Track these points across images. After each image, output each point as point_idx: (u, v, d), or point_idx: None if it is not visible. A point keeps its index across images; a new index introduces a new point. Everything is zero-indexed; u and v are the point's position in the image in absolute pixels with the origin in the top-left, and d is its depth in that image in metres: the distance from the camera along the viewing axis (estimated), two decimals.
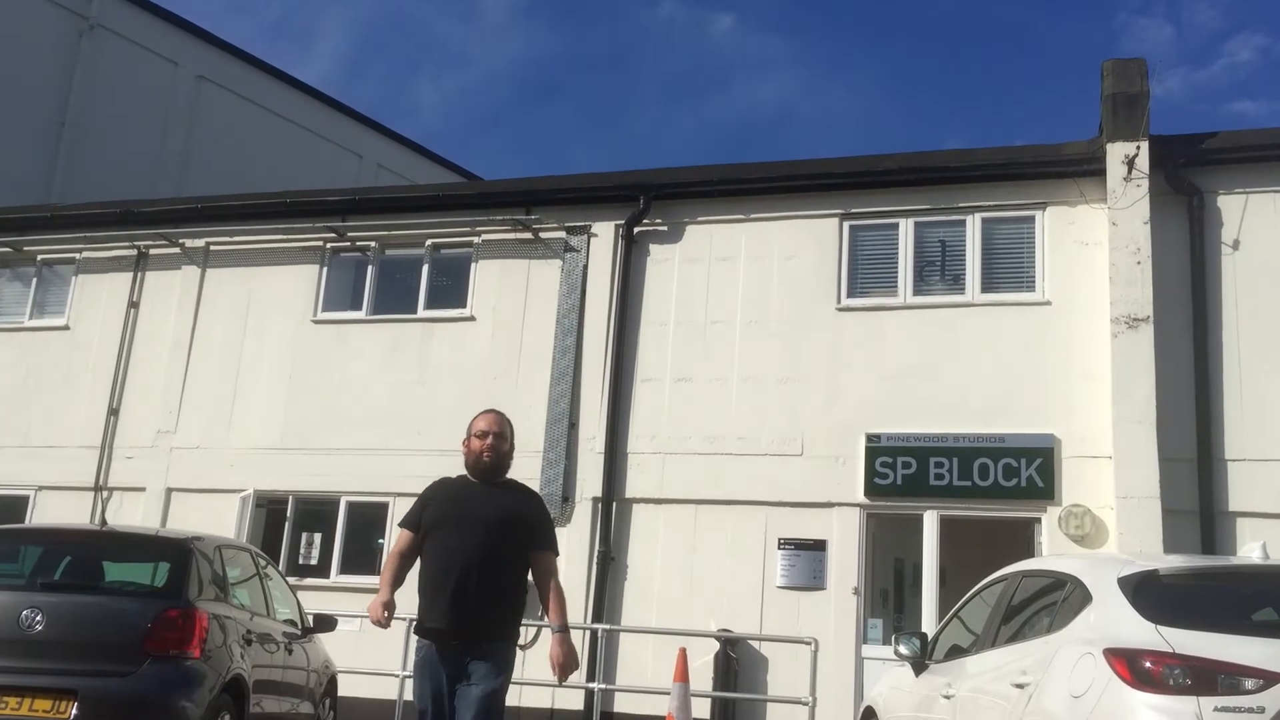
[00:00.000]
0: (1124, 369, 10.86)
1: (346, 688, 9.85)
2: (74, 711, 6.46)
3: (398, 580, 5.27)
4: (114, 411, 14.46)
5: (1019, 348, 11.64)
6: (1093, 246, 11.55)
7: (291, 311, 14.23)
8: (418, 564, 5.28)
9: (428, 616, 5.10)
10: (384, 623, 5.13)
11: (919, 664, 7.26)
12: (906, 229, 12.39)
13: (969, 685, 6.31)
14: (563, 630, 5.18)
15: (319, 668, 9.33)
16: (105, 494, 13.79)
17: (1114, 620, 5.16)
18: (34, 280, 15.55)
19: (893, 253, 12.41)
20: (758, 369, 12.37)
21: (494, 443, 5.35)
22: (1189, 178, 11.42)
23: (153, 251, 15.01)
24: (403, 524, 5.41)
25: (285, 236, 14.42)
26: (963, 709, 6.30)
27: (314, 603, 10.02)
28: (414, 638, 5.32)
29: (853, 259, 12.52)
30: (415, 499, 5.43)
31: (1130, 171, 11.20)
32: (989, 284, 12.07)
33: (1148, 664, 4.74)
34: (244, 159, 21.91)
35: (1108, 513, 10.78)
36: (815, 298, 12.41)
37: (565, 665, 5.12)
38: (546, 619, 5.28)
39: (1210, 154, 11.57)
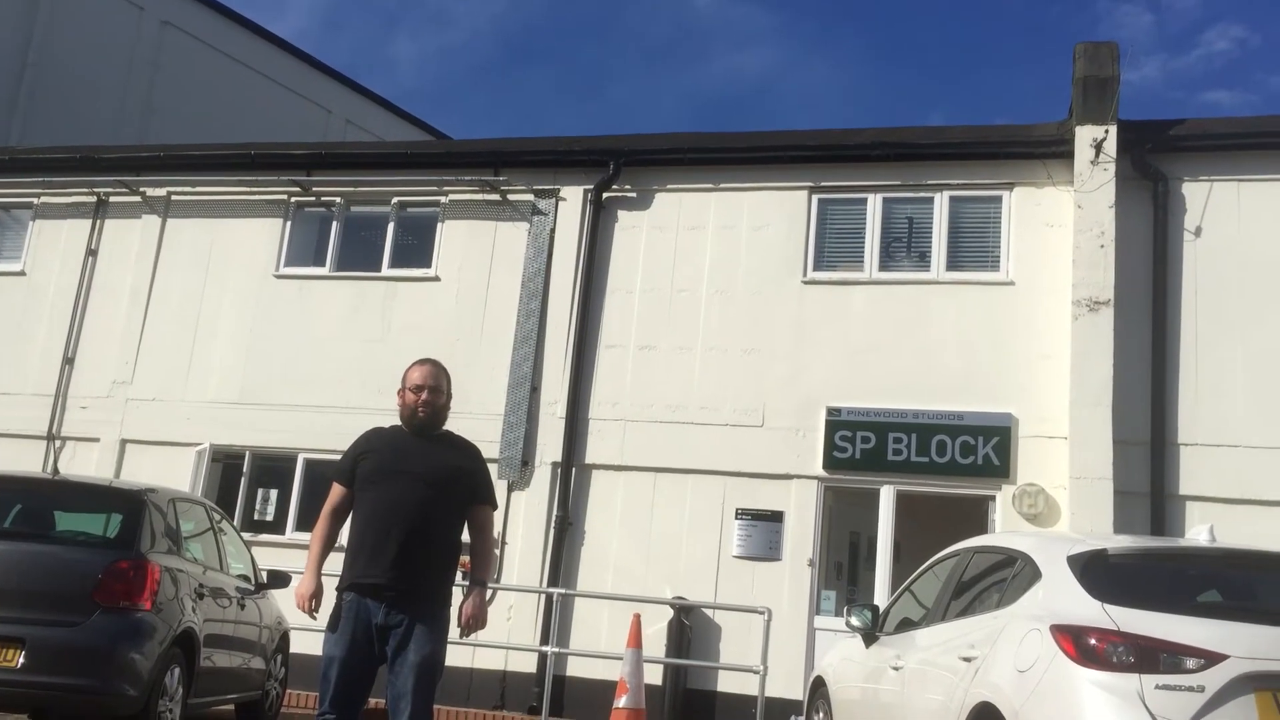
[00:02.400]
0: (1083, 351, 10.97)
1: (299, 644, 9.83)
2: (21, 660, 6.41)
3: (328, 547, 5.08)
4: (69, 360, 14.26)
5: (981, 327, 11.73)
6: (1058, 228, 11.62)
7: (253, 265, 14.06)
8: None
9: (365, 573, 4.89)
10: (312, 614, 4.99)
11: (870, 635, 7.34)
12: (875, 204, 12.41)
13: (918, 657, 6.39)
14: (482, 586, 5.11)
15: (271, 624, 9.31)
16: (58, 443, 13.63)
17: (1062, 597, 5.23)
18: None
19: (860, 227, 12.43)
20: (722, 339, 12.39)
21: (429, 398, 5.11)
22: (1155, 163, 11.51)
23: (113, 199, 14.77)
24: (336, 478, 5.15)
25: (249, 189, 14.22)
26: (911, 680, 6.38)
27: (269, 559, 9.98)
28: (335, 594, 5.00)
29: (820, 232, 12.54)
30: (346, 450, 5.19)
31: (1098, 155, 11.27)
32: (954, 262, 12.13)
33: (1092, 641, 4.81)
34: (208, 109, 21.54)
35: (1061, 492, 10.91)
36: (782, 270, 12.42)
37: (475, 619, 5.03)
38: (468, 572, 5.17)
39: (1177, 140, 11.66)
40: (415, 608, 4.89)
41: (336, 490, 5.15)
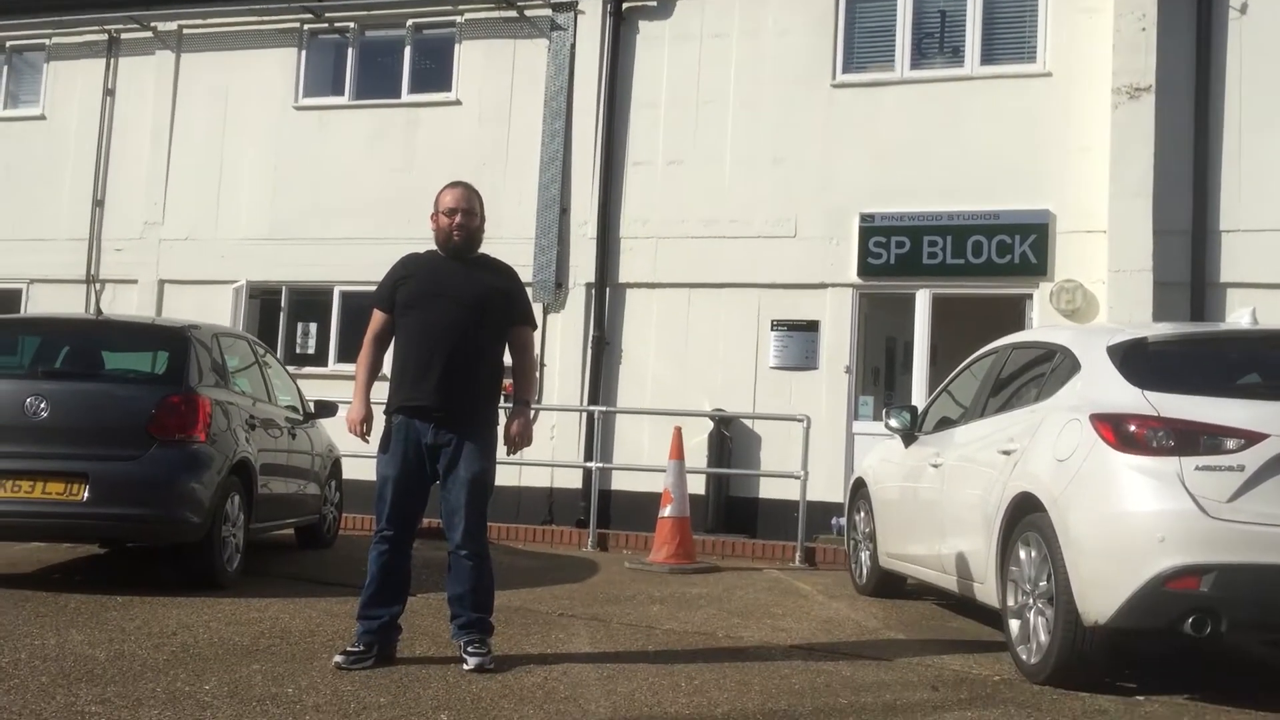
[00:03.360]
0: (1123, 141, 10.69)
1: (351, 471, 10.11)
2: (86, 493, 6.63)
3: (374, 373, 5.18)
4: (99, 203, 14.28)
5: (1017, 122, 11.40)
6: (1097, 14, 11.15)
7: (272, 98, 13.86)
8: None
9: (411, 395, 5.00)
10: (364, 438, 5.14)
11: (909, 436, 7.44)
12: None
13: (957, 454, 6.48)
14: (525, 405, 5.21)
15: (323, 451, 9.56)
16: (98, 286, 13.79)
17: (1101, 387, 5.25)
18: (4, 69, 15.07)
19: (890, 24, 11.98)
20: (751, 150, 12.16)
21: (463, 220, 5.12)
22: None
23: (125, 36, 14.48)
24: (376, 304, 5.21)
25: (260, 19, 13.89)
26: (950, 476, 6.49)
27: (314, 390, 10.16)
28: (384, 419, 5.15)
29: (849, 32, 12.10)
30: (384, 276, 5.24)
31: None
32: (988, 56, 11.71)
33: (1132, 427, 4.84)
34: None
35: (1100, 287, 10.81)
36: (810, 75, 12.07)
37: (521, 438, 5.15)
38: (510, 394, 5.29)
39: None
40: (462, 427, 5.00)
41: (378, 317, 5.20)
